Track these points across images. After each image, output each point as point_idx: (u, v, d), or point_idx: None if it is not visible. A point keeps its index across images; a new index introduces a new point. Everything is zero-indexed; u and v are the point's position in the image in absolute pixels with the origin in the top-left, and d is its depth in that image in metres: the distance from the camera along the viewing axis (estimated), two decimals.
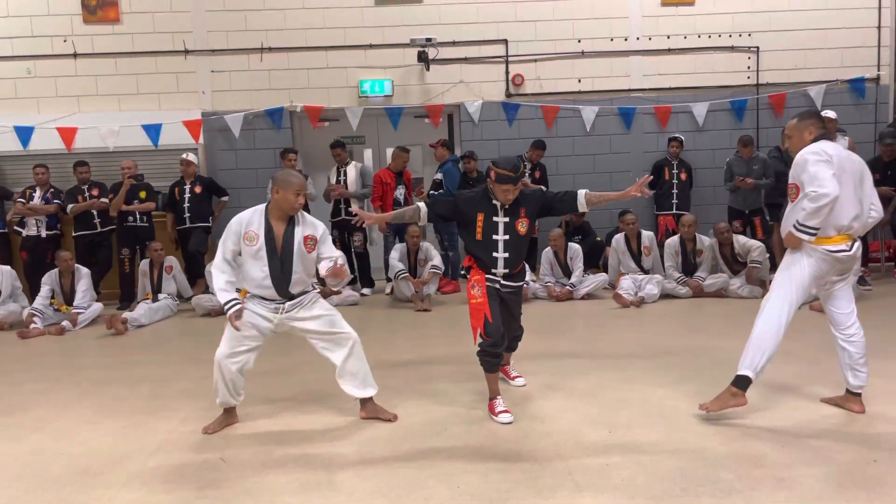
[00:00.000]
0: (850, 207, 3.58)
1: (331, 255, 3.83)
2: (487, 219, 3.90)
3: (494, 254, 3.90)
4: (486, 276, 3.94)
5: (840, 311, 3.75)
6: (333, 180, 8.41)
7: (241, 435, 3.81)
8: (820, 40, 8.96)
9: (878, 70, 9.04)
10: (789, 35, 8.95)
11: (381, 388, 4.52)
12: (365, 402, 4.00)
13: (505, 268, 3.92)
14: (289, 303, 3.83)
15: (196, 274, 7.96)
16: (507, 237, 3.89)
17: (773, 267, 6.27)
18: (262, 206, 3.83)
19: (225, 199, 8.40)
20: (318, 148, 9.12)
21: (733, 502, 2.82)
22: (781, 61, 8.97)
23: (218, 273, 3.75)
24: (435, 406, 4.15)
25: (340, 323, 3.93)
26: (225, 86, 8.88)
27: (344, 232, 8.40)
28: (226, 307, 3.70)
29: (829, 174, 3.47)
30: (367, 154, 9.08)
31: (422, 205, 4.04)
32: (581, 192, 3.96)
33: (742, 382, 3.65)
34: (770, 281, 3.88)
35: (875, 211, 3.72)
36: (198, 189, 8.19)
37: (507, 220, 3.89)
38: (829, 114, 7.68)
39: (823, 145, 3.62)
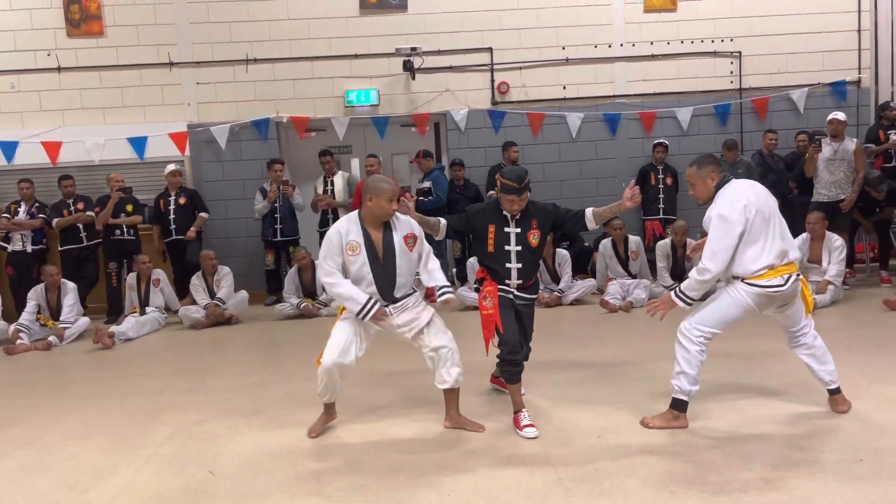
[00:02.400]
0: (774, 245, 3.52)
1: (437, 280, 3.92)
2: (499, 230, 3.90)
3: (507, 264, 3.89)
4: (500, 286, 3.91)
5: (791, 329, 3.78)
6: (321, 190, 8.41)
7: (231, 450, 3.79)
8: (801, 44, 9.06)
9: (859, 73, 9.14)
10: (771, 40, 9.04)
11: (369, 397, 4.53)
12: (448, 408, 3.91)
13: (518, 278, 3.90)
14: (393, 306, 3.82)
15: (189, 286, 7.91)
16: (518, 248, 3.88)
17: None
18: (355, 215, 3.83)
19: (204, 215, 8.32)
20: (304, 158, 9.12)
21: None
22: (764, 66, 9.06)
23: (338, 282, 3.73)
24: (423, 414, 4.14)
25: (439, 330, 3.84)
26: (211, 97, 8.87)
27: None
28: (366, 309, 3.70)
29: (727, 245, 3.47)
30: (355, 163, 9.08)
31: (443, 220, 4.05)
32: (588, 211, 3.98)
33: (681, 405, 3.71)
34: None
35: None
36: (182, 200, 8.16)
37: (518, 230, 3.89)
38: (839, 115, 7.65)
39: (735, 193, 3.56)
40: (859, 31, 9.07)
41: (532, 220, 3.91)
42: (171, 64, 8.77)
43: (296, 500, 3.12)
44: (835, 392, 3.81)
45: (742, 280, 3.56)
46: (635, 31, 9.04)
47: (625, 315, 6.97)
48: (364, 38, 8.87)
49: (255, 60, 8.82)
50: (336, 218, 8.25)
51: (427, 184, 8.24)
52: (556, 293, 7.50)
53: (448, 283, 3.98)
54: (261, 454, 3.67)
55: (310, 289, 7.69)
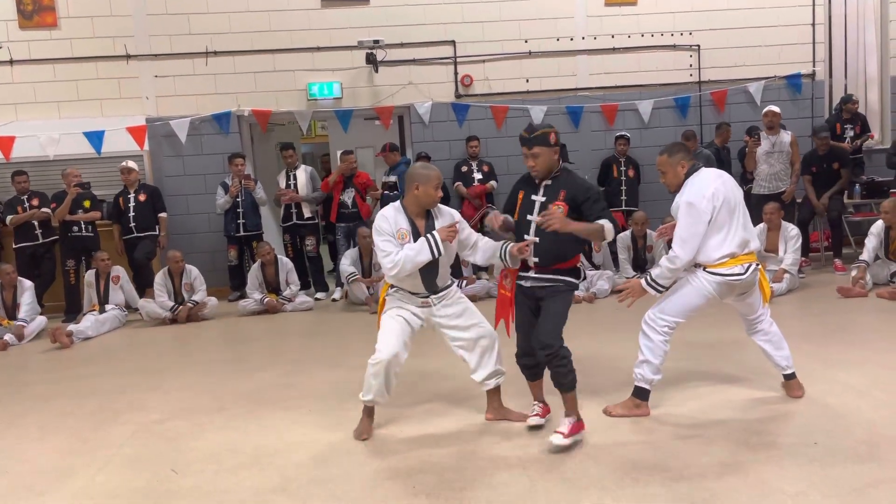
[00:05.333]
0: (737, 234, 3.61)
1: (471, 236, 3.76)
2: (526, 196, 3.57)
3: (526, 236, 3.50)
4: (519, 273, 3.58)
5: (749, 317, 3.88)
6: (283, 184, 8.33)
7: (193, 449, 3.75)
8: (758, 38, 9.21)
9: (814, 66, 9.33)
10: (728, 33, 9.18)
11: (336, 392, 4.51)
12: (491, 400, 3.87)
13: (535, 256, 3.48)
14: (434, 296, 3.72)
15: (145, 283, 7.78)
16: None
17: None
18: (398, 204, 3.70)
19: (163, 215, 8.15)
20: (267, 152, 9.02)
21: (682, 489, 2.89)
22: (722, 59, 9.19)
23: (401, 251, 3.52)
24: (388, 408, 4.14)
25: (480, 321, 3.78)
26: (170, 91, 8.70)
27: (296, 236, 8.33)
28: (433, 243, 3.52)
29: (696, 232, 3.54)
30: (335, 156, 9.02)
31: (509, 216, 3.72)
32: (607, 224, 3.43)
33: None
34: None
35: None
36: (142, 197, 8.00)
37: (543, 199, 3.50)
38: (774, 108, 7.90)
39: (704, 181, 3.62)
40: (813, 24, 9.26)
41: (560, 191, 3.48)
42: (128, 56, 8.58)
43: (260, 497, 3.10)
44: (790, 377, 3.92)
45: (704, 268, 3.64)
46: (597, 25, 9.10)
47: (588, 306, 7.05)
48: (326, 30, 8.78)
49: (216, 53, 8.67)
50: (300, 213, 8.24)
51: (393, 178, 8.22)
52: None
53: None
54: (224, 452, 3.63)
55: (273, 284, 7.62)
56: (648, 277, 3.70)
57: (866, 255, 6.79)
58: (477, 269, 7.88)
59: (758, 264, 3.72)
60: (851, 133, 8.49)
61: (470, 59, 8.99)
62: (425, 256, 3.53)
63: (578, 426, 3.44)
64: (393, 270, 3.54)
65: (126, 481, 3.34)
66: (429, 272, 3.65)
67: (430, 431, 3.74)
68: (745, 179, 8.18)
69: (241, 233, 8.21)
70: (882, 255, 6.84)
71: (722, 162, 8.40)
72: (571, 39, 9.10)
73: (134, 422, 4.19)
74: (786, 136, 7.77)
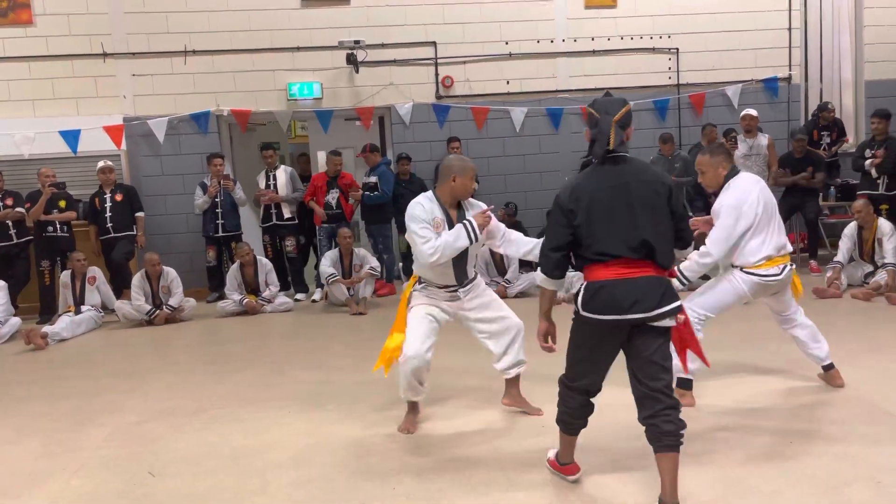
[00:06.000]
0: (774, 238, 3.79)
1: (500, 227, 3.80)
2: None
3: None
4: None
5: (784, 314, 4.04)
6: (263, 185, 8.28)
7: (171, 450, 3.71)
8: (735, 42, 9.32)
9: (790, 70, 9.46)
10: (707, 37, 9.28)
11: (316, 393, 4.49)
12: (510, 388, 3.92)
13: None
14: (462, 289, 3.75)
15: (123, 284, 7.69)
16: None
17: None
18: (431, 194, 3.72)
19: (141, 214, 8.06)
20: (247, 152, 8.96)
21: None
22: (700, 62, 9.29)
23: (440, 238, 3.54)
24: (369, 410, 4.14)
25: (506, 312, 3.84)
26: (147, 90, 8.62)
27: (275, 237, 8.28)
28: (469, 229, 3.55)
29: (733, 234, 3.71)
30: (321, 156, 8.96)
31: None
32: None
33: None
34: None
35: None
36: (119, 197, 7.91)
37: None
38: (751, 111, 8.02)
39: (744, 185, 3.80)
40: (790, 29, 9.39)
41: None
42: (105, 55, 8.48)
43: (239, 499, 3.08)
44: (829, 368, 4.06)
45: (741, 269, 3.76)
46: (577, 27, 9.16)
47: (567, 306, 7.07)
48: (306, 30, 8.74)
49: (194, 52, 8.60)
50: (280, 213, 8.19)
51: (373, 178, 8.19)
52: (502, 284, 7.56)
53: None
54: (203, 454, 3.60)
55: (252, 285, 7.57)
56: (677, 268, 3.79)
57: (841, 256, 6.90)
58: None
59: (792, 264, 3.88)
60: (828, 139, 8.64)
61: (451, 61, 9.00)
62: (463, 242, 3.57)
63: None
64: (434, 256, 3.53)
65: (102, 484, 3.30)
66: (459, 262, 3.69)
67: (412, 433, 3.74)
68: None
69: (220, 233, 8.15)
70: (856, 257, 6.95)
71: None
72: (551, 41, 9.15)
73: (111, 424, 4.14)
74: (763, 139, 7.89)
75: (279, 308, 7.54)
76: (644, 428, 2.68)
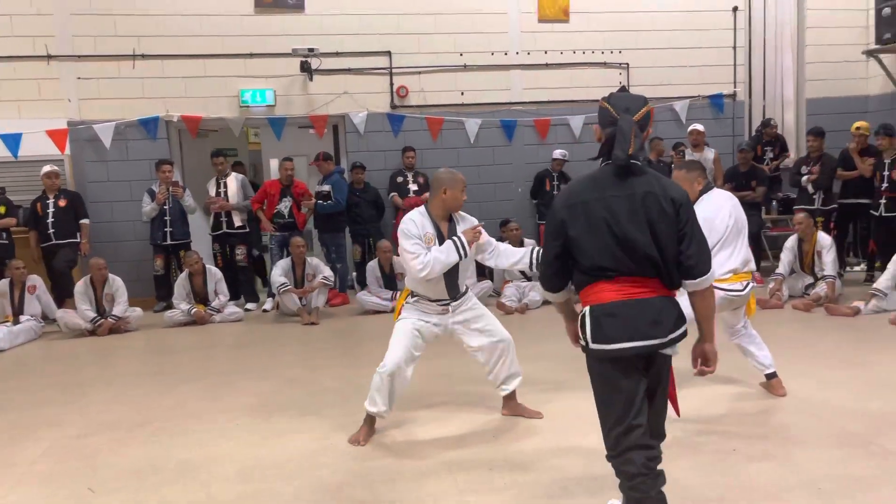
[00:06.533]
0: (741, 253, 3.96)
1: (490, 241, 3.87)
2: None
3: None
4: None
5: (735, 326, 4.18)
6: (213, 192, 8.14)
7: (113, 465, 3.60)
8: (683, 58, 9.57)
9: (735, 87, 9.76)
10: (656, 53, 9.51)
11: (265, 405, 4.42)
12: (508, 400, 4.00)
13: None
14: (454, 302, 3.78)
15: (64, 293, 7.44)
16: None
17: None
18: (424, 209, 3.78)
19: (86, 221, 7.84)
20: (200, 159, 8.79)
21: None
22: (649, 77, 9.50)
23: (430, 253, 3.59)
24: (319, 422, 4.09)
25: (496, 325, 3.91)
26: (93, 94, 8.39)
27: (225, 245, 8.14)
28: (459, 246, 3.63)
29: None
30: (274, 164, 8.84)
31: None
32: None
33: None
34: None
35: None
36: (62, 203, 7.67)
37: None
38: (698, 126, 8.26)
39: (717, 200, 3.98)
40: (735, 47, 9.69)
41: None
42: (49, 57, 8.23)
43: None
44: (772, 376, 4.20)
45: None
46: (530, 40, 9.28)
47: (521, 316, 7.14)
48: (260, 37, 8.65)
49: (143, 56, 8.42)
50: (230, 221, 8.06)
51: (326, 187, 8.13)
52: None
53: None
54: (146, 468, 3.51)
55: (201, 294, 7.42)
56: None
57: (782, 268, 7.12)
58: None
59: (752, 282, 4.03)
60: (771, 154, 8.93)
61: (406, 71, 9.02)
62: (453, 258, 3.64)
63: None
64: (423, 272, 3.58)
65: (39, 501, 3.18)
66: (451, 276, 3.74)
67: (362, 444, 3.70)
68: None
69: (168, 241, 7.97)
70: (797, 269, 7.18)
71: None
72: (506, 54, 9.25)
73: (49, 438, 4.00)
74: (709, 154, 8.11)
75: (229, 318, 7.41)
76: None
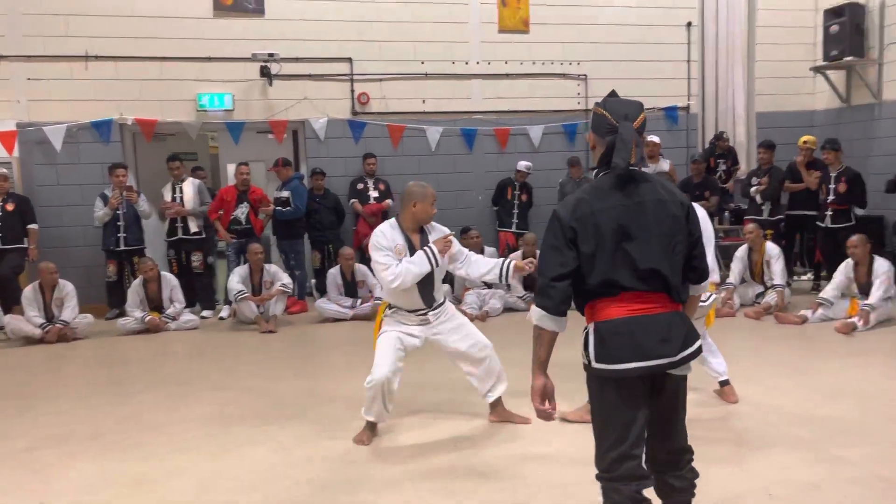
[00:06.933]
0: (710, 262, 4.00)
1: (462, 251, 3.95)
2: None
3: None
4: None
5: None
6: (168, 197, 7.98)
7: (64, 479, 3.50)
8: (639, 71, 9.75)
9: (689, 100, 10.01)
10: (613, 65, 9.67)
11: (222, 415, 4.35)
12: (495, 406, 4.03)
13: None
14: (431, 312, 3.83)
15: (10, 300, 7.20)
16: None
17: None
18: (394, 221, 3.87)
19: (34, 226, 7.61)
20: (156, 163, 8.60)
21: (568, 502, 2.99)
22: (607, 89, 9.39)
23: (401, 263, 3.67)
24: (279, 432, 4.05)
25: (477, 334, 4.00)
26: (44, 95, 8.16)
27: (181, 252, 7.99)
28: (430, 255, 3.71)
29: None
30: (230, 169, 8.69)
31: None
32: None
33: None
34: None
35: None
36: (9, 207, 7.43)
37: None
38: (654, 138, 8.41)
39: None
40: (689, 61, 9.93)
41: None
42: None
43: None
44: (725, 384, 4.31)
45: None
46: (490, 51, 9.36)
47: (481, 324, 7.16)
48: (218, 40, 8.53)
49: (97, 58, 8.23)
50: (186, 227, 7.92)
51: (285, 193, 8.05)
52: None
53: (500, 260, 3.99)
54: (99, 482, 3.42)
55: (156, 301, 7.27)
56: None
57: (733, 277, 7.32)
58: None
59: (715, 293, 4.14)
60: (724, 167, 9.17)
61: (367, 78, 9.00)
62: (424, 268, 3.71)
63: None
64: (395, 282, 3.66)
65: None
66: (425, 286, 3.80)
67: (322, 454, 3.68)
68: None
69: (122, 247, 7.79)
70: (748, 278, 7.38)
71: None
72: (466, 63, 9.31)
73: None
74: (664, 165, 8.28)
75: (184, 326, 7.27)
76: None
